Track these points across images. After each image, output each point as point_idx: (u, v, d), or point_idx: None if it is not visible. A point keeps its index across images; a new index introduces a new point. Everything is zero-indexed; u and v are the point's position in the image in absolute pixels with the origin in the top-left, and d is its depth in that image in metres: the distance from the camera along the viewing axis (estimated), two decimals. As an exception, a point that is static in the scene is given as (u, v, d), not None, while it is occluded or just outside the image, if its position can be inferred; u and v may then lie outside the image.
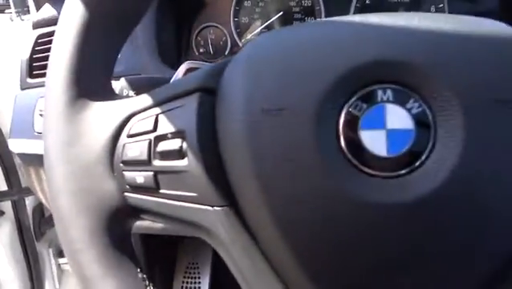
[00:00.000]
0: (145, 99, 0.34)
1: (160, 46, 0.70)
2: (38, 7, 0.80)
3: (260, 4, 0.77)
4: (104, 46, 0.36)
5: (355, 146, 0.28)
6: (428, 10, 0.73)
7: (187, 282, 1.17)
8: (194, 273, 1.18)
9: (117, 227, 0.33)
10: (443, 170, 0.27)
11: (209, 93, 0.32)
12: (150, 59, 0.66)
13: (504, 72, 0.28)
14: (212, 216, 0.31)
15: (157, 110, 0.33)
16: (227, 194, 0.30)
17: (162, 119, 0.32)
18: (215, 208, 0.31)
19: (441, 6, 0.73)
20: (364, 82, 0.28)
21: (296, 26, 0.33)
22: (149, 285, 0.34)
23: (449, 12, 0.73)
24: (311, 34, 0.31)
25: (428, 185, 0.27)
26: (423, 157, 0.28)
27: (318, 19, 0.31)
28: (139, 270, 0.33)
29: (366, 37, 0.29)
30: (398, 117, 0.28)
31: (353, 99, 0.28)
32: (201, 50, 0.78)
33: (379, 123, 0.28)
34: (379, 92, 0.28)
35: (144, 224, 0.35)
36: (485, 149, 0.27)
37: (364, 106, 0.28)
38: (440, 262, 0.28)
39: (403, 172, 0.28)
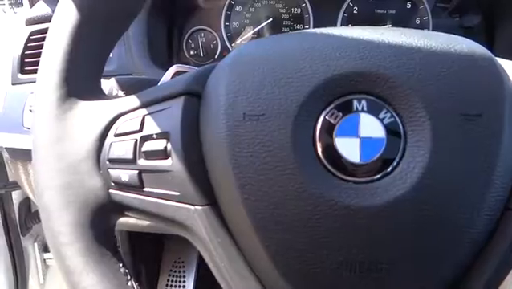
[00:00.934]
0: (133, 101, 0.35)
1: (152, 48, 0.71)
2: (31, 3, 0.81)
3: (250, 10, 0.78)
4: (95, 47, 0.37)
5: (330, 152, 0.30)
6: (414, 22, 0.75)
7: (172, 280, 1.18)
8: (179, 270, 1.19)
9: (101, 223, 0.34)
10: (411, 177, 0.29)
11: (194, 97, 0.33)
12: (141, 60, 0.67)
13: (471, 88, 0.30)
14: (193, 215, 0.32)
15: (144, 111, 0.34)
16: (208, 194, 0.32)
17: (148, 120, 0.34)
18: (196, 207, 0.32)
19: (426, 18, 0.75)
20: (341, 92, 0.30)
21: (279, 35, 0.35)
22: (131, 280, 0.35)
23: (433, 24, 0.75)
24: (293, 45, 0.32)
25: (396, 191, 0.29)
26: (393, 164, 0.29)
27: (301, 30, 0.33)
28: (121, 265, 0.35)
29: (344, 49, 0.31)
30: (371, 126, 0.30)
31: (329, 108, 0.30)
32: (192, 53, 0.80)
33: (353, 131, 0.30)
34: (355, 102, 0.30)
35: (129, 221, 0.36)
36: (449, 159, 0.29)
37: (340, 115, 0.30)
38: (405, 265, 0.29)
39: (374, 178, 0.29)
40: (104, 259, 0.34)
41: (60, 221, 0.34)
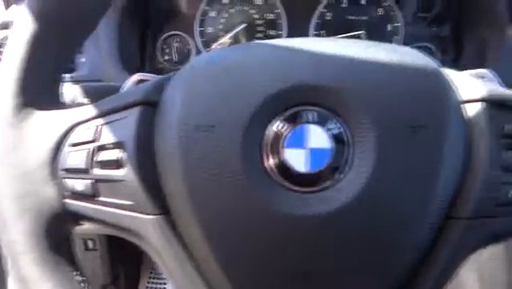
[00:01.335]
0: (89, 110, 0.35)
1: (124, 53, 0.71)
2: (7, 5, 0.80)
3: (225, 15, 0.79)
4: (52, 55, 0.37)
5: (279, 163, 0.30)
6: (385, 29, 0.76)
7: (153, 282, 1.18)
8: (160, 273, 1.19)
9: (56, 232, 0.34)
10: (356, 187, 0.29)
11: (150, 106, 0.34)
12: (112, 66, 0.67)
13: (416, 100, 0.30)
14: (146, 224, 0.33)
15: (100, 121, 0.34)
16: (161, 204, 0.32)
17: (104, 130, 0.34)
18: (149, 216, 0.33)
19: (397, 25, 0.76)
20: (289, 103, 0.31)
21: (233, 47, 0.36)
22: (87, 288, 0.35)
23: (405, 31, 0.76)
24: (245, 57, 0.33)
25: (342, 201, 0.29)
26: (339, 175, 0.30)
27: (255, 41, 0.33)
28: (77, 273, 0.35)
29: (293, 61, 0.32)
30: (318, 137, 0.30)
31: (278, 119, 0.31)
32: (166, 58, 0.80)
33: (301, 142, 0.30)
34: (303, 114, 0.31)
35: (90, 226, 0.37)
36: (394, 169, 0.29)
37: (288, 126, 0.30)
38: (350, 274, 0.30)
39: (320, 187, 0.30)
40: (60, 268, 0.34)
41: (15, 229, 0.34)
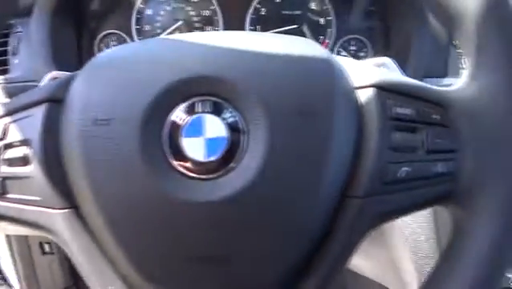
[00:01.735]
0: None
1: (59, 53, 0.71)
2: None
3: (161, 13, 0.79)
4: None
5: (177, 152, 0.32)
6: (318, 22, 0.79)
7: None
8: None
9: None
10: (251, 173, 0.31)
11: (56, 103, 0.34)
12: (45, 66, 0.67)
13: (305, 87, 0.32)
14: (55, 218, 0.33)
15: (7, 119, 0.35)
16: (69, 198, 0.33)
17: (11, 128, 0.35)
18: (57, 211, 0.33)
19: (330, 18, 0.79)
20: (186, 95, 0.32)
21: (133, 43, 0.37)
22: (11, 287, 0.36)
23: (338, 24, 0.79)
24: (143, 52, 0.34)
25: (237, 186, 0.31)
26: (235, 161, 0.31)
27: (154, 38, 0.34)
28: None
29: (189, 55, 0.33)
30: (215, 126, 0.32)
31: (176, 110, 0.32)
32: (103, 57, 0.80)
33: (198, 131, 0.32)
34: (199, 104, 0.32)
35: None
36: (285, 155, 0.31)
37: (186, 116, 0.32)
38: (248, 256, 0.31)
39: (218, 174, 0.31)
40: None
41: None
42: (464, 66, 0.36)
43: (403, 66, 0.71)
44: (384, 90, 0.34)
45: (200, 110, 0.32)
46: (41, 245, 1.03)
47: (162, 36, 0.77)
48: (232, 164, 0.31)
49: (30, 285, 1.01)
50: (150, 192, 0.31)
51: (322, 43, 0.79)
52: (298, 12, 0.79)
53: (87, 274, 0.34)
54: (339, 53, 0.79)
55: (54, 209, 0.33)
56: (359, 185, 0.33)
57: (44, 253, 1.04)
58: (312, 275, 0.33)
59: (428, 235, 0.66)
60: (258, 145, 0.31)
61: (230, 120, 0.32)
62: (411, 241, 0.67)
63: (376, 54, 0.79)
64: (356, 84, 0.35)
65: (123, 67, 0.33)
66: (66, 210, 0.33)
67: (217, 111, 0.32)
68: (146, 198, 0.31)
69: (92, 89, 0.33)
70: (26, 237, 0.97)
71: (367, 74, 0.35)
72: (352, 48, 0.79)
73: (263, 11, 0.79)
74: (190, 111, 0.32)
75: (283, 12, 0.79)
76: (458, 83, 0.36)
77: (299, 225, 0.32)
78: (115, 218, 0.31)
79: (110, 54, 0.35)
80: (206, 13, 0.79)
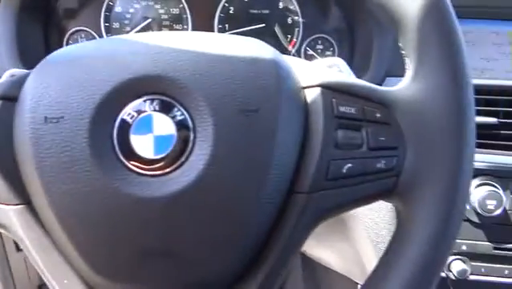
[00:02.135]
0: None
1: (26, 50, 0.71)
2: None
3: (131, 10, 0.79)
4: None
5: (127, 149, 0.32)
6: (286, 22, 0.80)
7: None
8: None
9: None
10: (197, 169, 0.32)
11: (9, 101, 0.35)
12: (9, 64, 0.67)
13: (250, 86, 0.33)
14: (8, 214, 0.34)
15: None
16: (22, 194, 0.34)
17: None
18: (11, 206, 0.34)
19: (297, 18, 0.80)
20: (136, 93, 0.33)
21: (86, 42, 0.37)
22: None
23: (305, 24, 0.80)
24: (94, 51, 0.35)
25: (184, 182, 0.32)
26: (183, 158, 0.33)
27: (107, 37, 0.35)
28: None
29: (139, 54, 0.34)
30: (163, 124, 0.33)
31: (125, 109, 0.33)
32: (72, 54, 0.80)
33: (147, 129, 0.33)
34: (148, 103, 0.33)
35: None
36: (230, 151, 0.32)
37: (135, 114, 0.33)
38: (195, 250, 0.33)
39: (166, 171, 0.32)
40: None
41: None
42: (407, 67, 0.37)
43: (367, 65, 0.73)
44: (330, 89, 0.36)
45: (149, 108, 0.33)
46: (15, 241, 1.02)
47: (131, 34, 0.77)
48: (180, 161, 0.32)
49: (6, 282, 1.00)
50: (100, 189, 0.32)
51: (289, 42, 0.81)
52: (266, 11, 0.80)
53: (42, 268, 0.34)
54: (306, 52, 0.81)
55: (7, 204, 0.34)
56: (304, 180, 0.34)
57: (19, 250, 1.04)
58: (259, 269, 0.35)
59: (389, 229, 0.68)
60: (204, 143, 0.32)
61: (178, 118, 0.33)
62: (373, 235, 0.69)
63: (343, 53, 0.80)
64: (303, 84, 0.36)
65: (74, 65, 0.34)
66: (19, 206, 0.34)
67: (165, 109, 0.33)
68: (96, 195, 0.32)
69: (44, 87, 0.33)
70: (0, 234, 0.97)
71: (314, 74, 0.37)
72: (319, 47, 0.81)
73: (232, 10, 0.80)
74: (139, 109, 0.33)
75: (251, 11, 0.80)
76: (401, 83, 0.37)
77: (245, 220, 0.33)
78: (65, 215, 0.32)
79: (62, 53, 0.36)
80: (175, 11, 0.80)
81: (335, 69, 0.42)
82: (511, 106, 0.68)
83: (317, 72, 0.37)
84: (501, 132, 0.67)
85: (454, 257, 0.66)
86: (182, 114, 0.33)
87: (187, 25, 0.80)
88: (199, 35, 0.36)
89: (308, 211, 0.35)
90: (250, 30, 0.80)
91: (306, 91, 0.36)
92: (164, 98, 0.33)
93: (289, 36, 0.81)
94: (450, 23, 0.36)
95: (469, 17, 0.78)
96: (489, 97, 0.68)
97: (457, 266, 0.65)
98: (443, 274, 0.66)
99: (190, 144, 0.33)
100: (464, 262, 0.65)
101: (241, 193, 0.33)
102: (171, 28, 0.80)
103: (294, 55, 0.80)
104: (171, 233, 0.32)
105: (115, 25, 0.80)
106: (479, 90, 0.68)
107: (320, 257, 0.87)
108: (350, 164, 0.35)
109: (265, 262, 0.35)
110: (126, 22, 0.80)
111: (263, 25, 0.80)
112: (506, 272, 0.66)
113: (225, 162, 0.32)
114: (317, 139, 0.35)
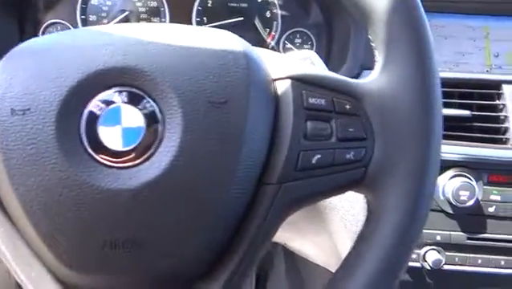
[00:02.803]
0: None
1: (1, 45, 0.70)
2: None
3: (107, 3, 0.79)
4: None
5: (95, 141, 0.32)
6: (265, 15, 0.80)
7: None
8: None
9: None
10: (166, 161, 0.32)
11: None
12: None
13: (219, 78, 0.33)
14: None
15: None
16: None
17: None
18: None
19: (276, 11, 0.80)
20: (104, 85, 0.33)
21: (54, 34, 0.37)
22: None
23: (283, 17, 0.80)
24: (63, 42, 0.34)
25: (153, 174, 0.32)
26: (151, 150, 0.32)
27: (75, 29, 0.35)
28: None
29: (108, 46, 0.33)
30: (131, 116, 0.33)
31: (93, 100, 0.33)
32: (48, 47, 0.79)
33: (115, 121, 0.32)
34: (117, 94, 0.33)
35: None
36: (199, 143, 0.32)
37: (103, 106, 0.33)
38: (162, 241, 0.33)
39: (135, 162, 0.32)
40: None
41: None
42: (376, 59, 0.38)
43: (344, 58, 0.74)
44: (300, 81, 0.36)
45: (117, 100, 0.33)
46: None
47: (101, 25, 0.77)
48: (149, 153, 0.32)
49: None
50: (67, 181, 0.31)
51: (268, 36, 0.81)
52: (244, 5, 0.80)
53: (10, 261, 0.34)
54: (284, 45, 0.81)
55: None
56: (273, 172, 0.34)
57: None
58: (229, 259, 0.35)
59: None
60: (172, 135, 0.32)
61: (147, 109, 0.33)
62: (350, 227, 0.70)
63: (321, 47, 0.81)
64: (273, 76, 0.36)
65: (41, 56, 0.33)
66: None
67: (134, 101, 0.33)
68: (63, 188, 0.31)
69: (10, 79, 0.33)
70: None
71: (285, 66, 0.37)
72: (298, 41, 0.81)
73: (210, 3, 0.79)
74: (107, 101, 0.33)
75: (230, 4, 0.80)
76: (371, 76, 0.38)
77: (214, 212, 0.33)
78: (32, 208, 0.32)
79: (30, 44, 0.35)
80: (153, 4, 0.79)
81: (307, 62, 0.42)
82: (484, 99, 0.70)
83: (288, 65, 0.37)
84: (475, 124, 0.68)
85: (429, 247, 0.67)
86: (151, 106, 0.33)
87: (165, 18, 0.79)
88: (170, 27, 0.36)
89: (277, 202, 0.35)
90: (229, 23, 0.80)
91: (276, 83, 0.36)
92: (133, 90, 0.33)
93: (267, 29, 0.81)
94: (418, 17, 0.36)
95: (445, 11, 0.79)
96: (463, 90, 0.69)
97: (431, 257, 0.66)
98: (418, 265, 0.67)
99: (159, 136, 0.33)
100: (438, 252, 0.67)
101: (210, 185, 0.33)
102: (148, 21, 0.79)
103: (272, 49, 0.81)
104: (139, 224, 0.32)
105: (92, 17, 0.79)
106: (453, 83, 0.69)
107: (300, 249, 0.88)
108: (319, 155, 0.35)
109: (235, 252, 0.35)
110: (103, 14, 0.79)
111: (242, 18, 0.80)
112: (479, 261, 0.68)
113: (193, 154, 0.32)
114: (287, 130, 0.35)
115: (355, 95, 0.36)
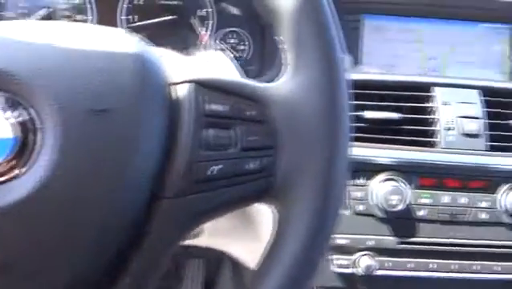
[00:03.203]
0: None
1: None
2: None
3: (27, -2, 0.74)
4: None
5: None
6: (195, 14, 0.77)
7: None
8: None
9: None
10: (42, 175, 0.28)
11: None
12: None
13: (104, 83, 0.30)
14: None
15: None
16: None
17: None
18: None
19: (210, 10, 0.78)
20: None
21: None
22: None
23: (217, 16, 0.78)
24: None
25: (27, 190, 0.28)
26: (26, 163, 0.29)
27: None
28: None
29: None
30: (4, 125, 0.29)
31: None
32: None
33: None
34: None
35: None
36: (79, 154, 0.29)
37: None
38: (35, 264, 0.29)
39: (7, 178, 0.29)
40: None
41: None
42: (283, 62, 0.36)
43: (275, 60, 0.72)
44: (200, 86, 0.33)
45: None
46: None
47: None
48: (21, 168, 0.29)
49: None
50: None
51: (202, 35, 0.78)
52: (175, 2, 0.77)
53: None
54: (220, 45, 0.78)
55: None
56: (169, 185, 0.32)
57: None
58: (122, 278, 0.32)
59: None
60: (50, 146, 0.29)
61: (21, 118, 0.29)
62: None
63: (256, 48, 0.79)
64: (172, 80, 0.33)
65: None
66: None
67: (7, 108, 0.29)
68: None
69: None
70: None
71: (186, 69, 0.34)
72: (232, 41, 0.78)
73: (140, 0, 0.75)
74: None
75: (161, 2, 0.76)
76: (281, 79, 0.36)
77: (97, 230, 0.30)
78: None
79: None
80: (78, 0, 0.75)
81: (214, 64, 0.40)
82: (415, 101, 0.69)
83: (189, 68, 0.35)
84: (405, 127, 0.68)
85: (361, 253, 0.66)
86: (27, 114, 0.29)
87: (92, 15, 0.75)
88: (56, 26, 0.33)
89: (176, 217, 0.32)
90: (162, 21, 0.76)
91: (174, 87, 0.33)
92: (6, 95, 0.29)
93: (202, 29, 0.78)
94: (324, 19, 0.35)
95: (381, 13, 0.79)
96: (394, 93, 0.69)
97: (363, 262, 0.65)
98: (350, 271, 0.66)
99: (33, 149, 0.29)
100: (370, 257, 0.66)
101: (92, 201, 0.30)
102: (72, 19, 0.75)
103: (207, 48, 0.78)
104: (10, 246, 0.29)
105: (9, 14, 0.73)
106: (384, 85, 0.68)
107: (238, 256, 0.86)
108: (221, 166, 0.33)
109: (128, 269, 0.32)
110: (22, 11, 0.74)
111: (175, 16, 0.77)
112: (411, 265, 0.67)
113: (72, 168, 0.29)
114: (184, 139, 0.32)
115: (260, 100, 0.34)
